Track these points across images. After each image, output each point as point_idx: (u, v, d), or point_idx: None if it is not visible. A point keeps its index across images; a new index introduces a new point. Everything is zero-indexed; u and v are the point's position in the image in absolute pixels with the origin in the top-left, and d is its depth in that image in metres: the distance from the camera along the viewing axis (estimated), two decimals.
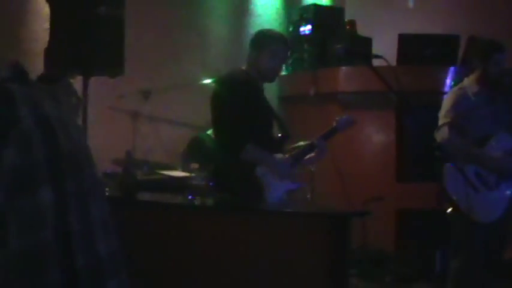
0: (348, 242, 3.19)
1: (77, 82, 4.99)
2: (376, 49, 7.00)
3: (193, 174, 4.67)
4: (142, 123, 5.71)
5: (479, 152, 4.53)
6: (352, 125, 4.50)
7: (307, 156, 4.26)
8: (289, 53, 4.17)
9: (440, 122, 4.59)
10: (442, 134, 4.51)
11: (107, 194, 4.04)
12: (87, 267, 1.18)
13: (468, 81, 4.72)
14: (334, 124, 4.36)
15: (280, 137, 4.26)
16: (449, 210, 4.44)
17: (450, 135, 4.49)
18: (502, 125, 4.66)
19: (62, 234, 1.15)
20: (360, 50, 4.15)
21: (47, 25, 4.98)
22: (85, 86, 5.07)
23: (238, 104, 3.93)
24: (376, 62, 3.71)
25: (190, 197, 3.66)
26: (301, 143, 4.26)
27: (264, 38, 4.13)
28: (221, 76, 4.18)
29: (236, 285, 3.39)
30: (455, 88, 4.75)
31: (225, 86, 4.03)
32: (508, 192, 4.57)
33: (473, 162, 4.48)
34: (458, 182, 4.33)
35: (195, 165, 5.24)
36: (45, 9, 4.95)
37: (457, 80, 5.34)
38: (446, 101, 4.66)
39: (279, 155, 4.06)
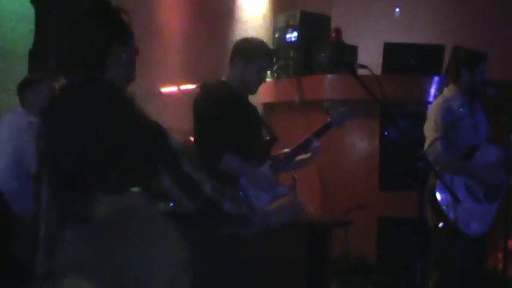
0: (329, 252, 3.17)
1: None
2: (361, 57, 7.01)
3: None
4: None
5: (469, 165, 4.53)
6: (349, 118, 4.20)
7: (299, 158, 4.13)
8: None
9: (429, 136, 4.54)
10: (434, 150, 4.45)
11: None
12: None
13: (450, 92, 4.70)
14: (328, 119, 4.13)
15: (268, 139, 4.14)
16: (441, 224, 4.40)
17: (443, 151, 4.45)
18: (482, 135, 4.68)
19: None
20: (343, 59, 4.07)
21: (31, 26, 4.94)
22: None
23: (217, 117, 3.83)
24: (361, 71, 3.67)
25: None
26: (285, 150, 4.17)
27: (254, 51, 3.96)
28: (201, 90, 4.03)
29: None
30: (440, 100, 4.69)
31: (204, 101, 3.93)
32: (494, 207, 4.58)
33: (463, 174, 4.48)
34: (448, 194, 4.30)
35: None
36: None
37: (442, 90, 5.35)
38: (433, 114, 4.61)
39: (263, 167, 3.93)
